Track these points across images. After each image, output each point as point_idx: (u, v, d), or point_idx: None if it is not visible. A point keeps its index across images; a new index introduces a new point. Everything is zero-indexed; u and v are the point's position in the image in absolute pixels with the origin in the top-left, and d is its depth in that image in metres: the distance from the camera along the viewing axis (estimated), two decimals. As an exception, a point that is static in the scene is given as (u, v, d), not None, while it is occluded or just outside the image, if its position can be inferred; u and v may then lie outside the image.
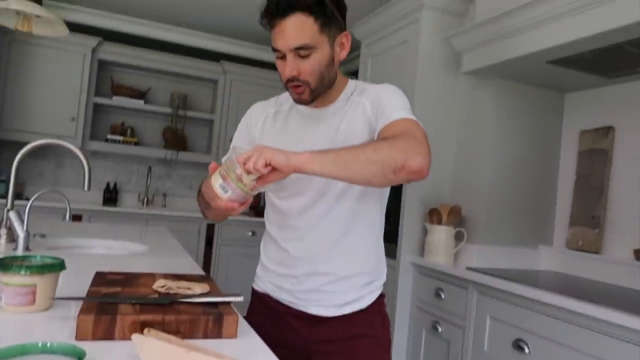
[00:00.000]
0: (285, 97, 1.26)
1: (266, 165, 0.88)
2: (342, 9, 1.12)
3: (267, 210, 1.30)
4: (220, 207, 0.93)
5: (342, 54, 1.14)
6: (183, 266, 1.51)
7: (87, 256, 1.63)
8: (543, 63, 2.00)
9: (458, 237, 2.35)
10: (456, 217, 2.36)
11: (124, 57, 4.13)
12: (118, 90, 4.16)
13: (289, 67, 1.07)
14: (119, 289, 0.94)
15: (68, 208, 1.87)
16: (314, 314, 1.18)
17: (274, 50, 1.10)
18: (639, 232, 2.03)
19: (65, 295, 0.93)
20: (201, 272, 1.38)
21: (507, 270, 2.19)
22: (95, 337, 0.76)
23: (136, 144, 4.23)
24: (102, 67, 4.18)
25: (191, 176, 4.61)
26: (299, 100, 1.13)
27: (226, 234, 4.16)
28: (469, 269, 2.15)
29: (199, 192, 1.20)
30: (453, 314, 2.14)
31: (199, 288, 0.96)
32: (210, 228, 4.14)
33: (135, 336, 0.68)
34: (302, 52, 1.06)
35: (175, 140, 4.35)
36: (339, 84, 1.18)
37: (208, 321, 0.82)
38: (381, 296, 1.25)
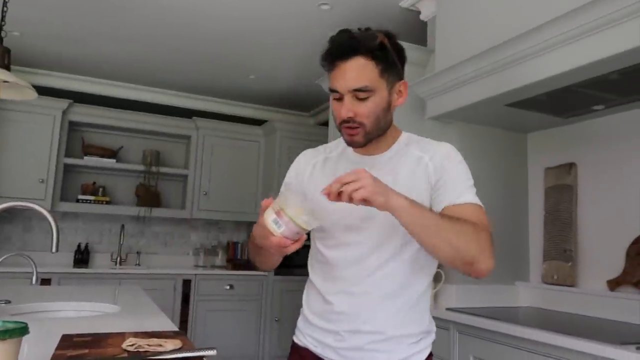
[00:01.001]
0: (334, 145, 1.26)
1: (363, 200, 0.90)
2: (402, 58, 1.13)
3: (312, 257, 1.25)
4: (273, 244, 0.92)
5: (399, 100, 1.14)
6: (157, 324, 1.47)
7: (55, 320, 1.57)
8: (502, 106, 2.09)
9: (436, 279, 2.35)
10: (432, 259, 2.37)
11: (94, 117, 4.14)
12: (89, 150, 4.14)
13: (346, 108, 1.07)
14: (86, 350, 0.91)
15: (35, 271, 1.81)
16: None
17: (332, 91, 1.10)
18: (610, 263, 2.07)
19: (29, 361, 0.89)
20: (175, 328, 1.34)
21: (487, 308, 2.19)
22: (60, 402, 0.73)
23: (108, 202, 4.17)
24: (73, 128, 4.17)
25: (165, 232, 4.54)
26: (351, 142, 1.12)
27: (203, 289, 4.06)
28: (448, 309, 2.14)
29: (250, 236, 1.18)
30: (436, 356, 2.08)
31: (170, 344, 0.94)
32: (187, 284, 4.04)
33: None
34: (361, 95, 1.06)
35: (149, 196, 4.31)
36: (392, 132, 1.18)
37: (179, 378, 0.79)
38: (430, 355, 1.19)
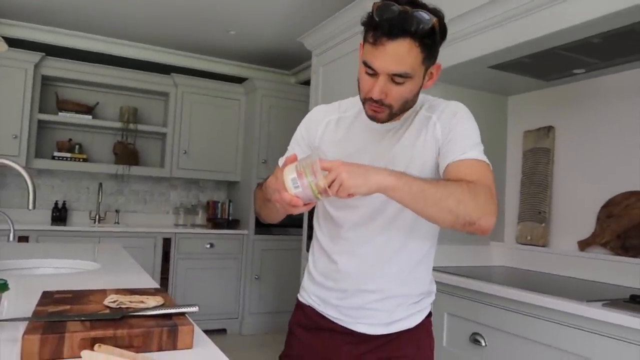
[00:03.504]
0: (350, 104, 1.22)
1: (348, 195, 0.89)
2: (444, 38, 1.07)
3: (319, 218, 1.24)
4: (284, 200, 0.90)
5: (428, 83, 1.10)
6: (137, 282, 1.47)
7: (34, 277, 1.56)
8: (485, 68, 2.08)
9: (414, 239, 2.40)
10: (411, 219, 2.42)
11: (69, 72, 4.00)
12: (63, 105, 4.02)
13: (378, 89, 1.02)
14: (67, 306, 0.91)
15: (12, 228, 1.79)
16: (359, 331, 1.15)
17: (366, 65, 1.02)
18: (581, 224, 2.14)
19: (10, 317, 0.89)
20: (156, 286, 1.35)
21: (462, 267, 2.25)
22: (43, 357, 0.73)
23: (85, 160, 4.09)
24: (46, 83, 4.03)
25: (144, 190, 4.50)
26: (373, 118, 1.09)
27: (183, 247, 4.08)
28: (425, 269, 2.20)
29: (259, 185, 1.16)
30: (412, 314, 2.18)
31: (152, 301, 0.94)
32: (167, 243, 4.05)
33: (85, 353, 0.66)
34: (398, 79, 1.01)
35: (127, 154, 4.24)
36: None
37: (162, 333, 0.81)
38: (429, 315, 1.22)
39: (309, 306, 1.23)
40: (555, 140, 2.30)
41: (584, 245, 2.10)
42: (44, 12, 3.76)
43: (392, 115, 1.09)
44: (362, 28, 1.05)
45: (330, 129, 1.20)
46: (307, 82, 4.36)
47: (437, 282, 2.03)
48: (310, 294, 1.24)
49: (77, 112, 4.05)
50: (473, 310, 1.86)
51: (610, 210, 2.02)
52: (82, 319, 0.83)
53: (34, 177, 1.33)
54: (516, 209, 2.45)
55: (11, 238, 1.78)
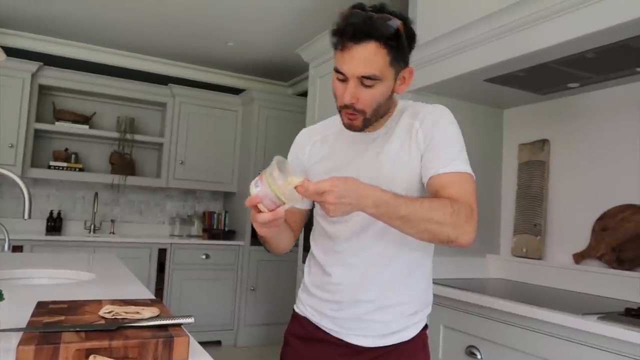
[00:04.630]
0: (332, 122, 1.25)
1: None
2: (413, 44, 1.09)
3: (314, 232, 1.27)
4: (249, 203, 0.93)
5: (401, 87, 1.12)
6: (133, 292, 1.47)
7: (29, 287, 1.55)
8: (480, 81, 2.10)
9: (410, 251, 2.40)
10: (407, 231, 2.42)
11: (66, 81, 4.01)
12: (60, 115, 4.02)
13: (349, 94, 1.05)
14: (62, 317, 0.91)
15: (7, 238, 1.78)
16: (354, 343, 1.14)
17: (337, 71, 1.07)
18: (577, 237, 2.15)
19: (5, 328, 0.89)
20: (151, 297, 1.35)
21: (458, 279, 2.25)
22: (37, 368, 0.73)
23: (81, 170, 4.09)
24: (43, 92, 4.04)
25: (140, 201, 4.49)
26: (349, 126, 1.11)
27: (179, 258, 4.07)
28: (421, 281, 2.20)
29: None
30: (408, 327, 2.17)
31: (148, 312, 0.94)
32: (162, 253, 4.03)
33: (80, 363, 0.66)
34: (367, 82, 1.04)
35: (123, 164, 4.24)
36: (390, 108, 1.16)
37: (157, 344, 0.80)
38: (425, 328, 1.21)
39: (305, 317, 1.24)
40: (551, 153, 2.32)
41: (579, 258, 2.10)
42: (42, 21, 3.78)
43: (367, 122, 1.10)
44: None
45: (316, 148, 1.23)
46: (304, 94, 4.38)
47: (433, 295, 2.04)
48: (305, 305, 1.24)
49: (74, 121, 4.06)
50: (469, 323, 1.86)
51: (606, 223, 2.03)
52: (78, 329, 0.82)
53: (29, 186, 1.33)
54: (512, 221, 2.46)
55: (6, 248, 1.77)
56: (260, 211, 0.94)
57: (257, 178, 0.93)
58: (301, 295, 1.27)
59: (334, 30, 1.06)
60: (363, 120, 1.09)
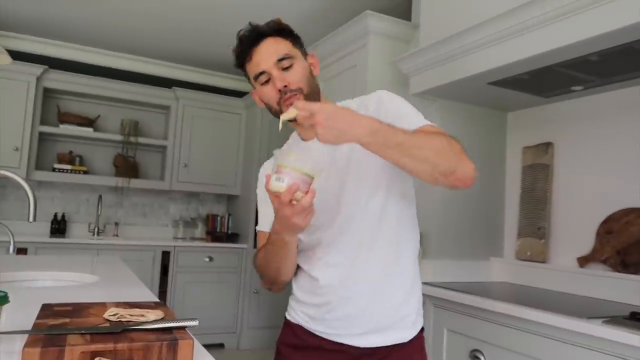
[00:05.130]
0: (288, 145, 1.28)
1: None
2: (301, 41, 1.19)
3: (298, 246, 1.26)
4: (284, 201, 0.90)
5: (316, 70, 1.18)
6: (137, 295, 1.47)
7: (33, 289, 1.56)
8: (484, 84, 2.10)
9: (413, 254, 2.39)
10: (411, 234, 2.41)
11: (71, 84, 4.03)
12: (65, 118, 4.04)
13: (278, 80, 1.10)
14: (67, 320, 0.91)
15: (12, 240, 1.79)
16: (347, 344, 1.14)
17: (257, 77, 1.13)
18: (581, 240, 2.14)
19: (10, 330, 0.89)
20: (155, 300, 1.35)
21: (462, 283, 2.25)
22: (43, 370, 0.73)
23: (85, 172, 4.10)
24: (48, 95, 4.06)
25: (144, 203, 4.50)
26: None
27: (182, 260, 4.07)
28: (425, 283, 2.19)
29: (255, 259, 1.20)
30: (411, 330, 2.17)
31: (152, 315, 0.94)
32: (166, 256, 4.04)
33: (85, 366, 0.66)
34: (285, 63, 1.11)
35: (127, 167, 4.25)
36: None
37: (162, 347, 0.80)
38: (422, 331, 1.21)
39: (297, 324, 1.23)
40: (554, 156, 2.31)
41: (583, 261, 2.10)
42: (47, 25, 3.80)
43: (309, 97, 1.13)
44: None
45: None
46: (307, 97, 4.38)
47: (436, 298, 2.04)
48: (297, 311, 1.23)
49: (78, 124, 4.07)
50: (473, 327, 1.86)
51: (610, 226, 2.02)
52: (82, 332, 0.83)
53: (34, 189, 1.34)
54: (516, 224, 2.45)
55: (11, 250, 1.78)
56: (291, 205, 0.93)
57: (274, 175, 0.90)
58: (292, 302, 1.27)
59: (237, 52, 1.16)
60: (305, 97, 1.12)
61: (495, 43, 1.89)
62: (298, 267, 1.24)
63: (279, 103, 1.12)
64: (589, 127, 2.17)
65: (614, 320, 1.45)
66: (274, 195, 0.93)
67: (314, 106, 0.90)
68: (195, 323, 0.90)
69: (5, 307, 0.89)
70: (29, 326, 0.88)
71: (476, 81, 2.07)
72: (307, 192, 0.91)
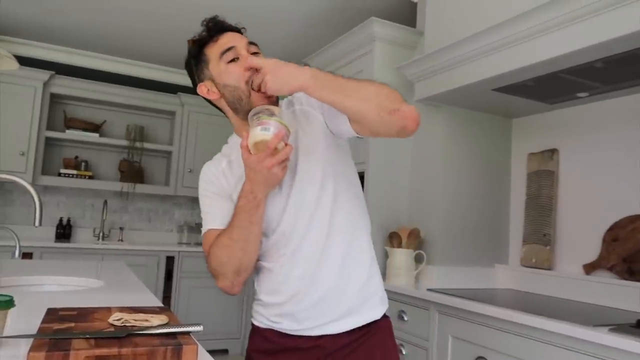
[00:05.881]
0: (228, 148, 1.29)
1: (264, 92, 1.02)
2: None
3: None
4: (270, 147, 0.94)
5: None
6: (141, 300, 1.47)
7: (38, 293, 1.56)
8: (489, 91, 2.10)
9: (418, 260, 2.39)
10: (415, 240, 2.41)
11: (77, 90, 4.06)
12: (71, 123, 4.07)
13: (246, 54, 1.11)
14: (72, 324, 0.91)
15: (17, 244, 1.79)
16: (317, 335, 1.14)
17: (222, 54, 1.12)
18: (586, 247, 2.13)
19: (15, 334, 0.90)
20: (160, 304, 1.35)
21: (466, 289, 2.24)
22: (47, 374, 0.73)
23: (90, 177, 4.12)
24: (55, 101, 4.09)
25: (149, 208, 4.52)
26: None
27: (187, 266, 4.07)
28: (429, 290, 2.18)
29: (212, 258, 1.18)
30: (416, 336, 2.16)
31: (157, 320, 0.94)
32: (170, 261, 4.04)
33: (90, 370, 0.66)
34: (253, 48, 1.14)
35: (132, 172, 4.27)
36: None
37: (166, 352, 0.81)
38: (387, 317, 1.24)
39: (268, 328, 1.21)
40: (560, 163, 2.31)
41: (589, 268, 2.08)
42: (54, 31, 3.84)
43: (272, 97, 1.14)
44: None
45: (229, 173, 1.23)
46: (312, 103, 4.39)
47: (441, 305, 2.03)
48: (265, 315, 1.22)
49: (84, 129, 4.10)
50: (478, 333, 1.85)
51: (616, 233, 2.01)
52: (87, 336, 0.83)
53: (40, 193, 1.34)
54: (521, 231, 2.44)
55: (17, 254, 1.79)
56: (272, 156, 0.97)
57: (257, 127, 0.95)
58: (257, 307, 1.25)
59: (207, 24, 1.19)
60: (270, 95, 1.13)
61: (500, 49, 1.89)
62: (261, 270, 1.23)
63: (247, 82, 1.09)
64: (594, 133, 2.17)
65: (620, 328, 1.44)
66: (250, 152, 0.98)
67: (261, 61, 1.01)
68: (199, 328, 0.90)
69: (10, 311, 0.89)
70: (34, 330, 0.89)
71: (481, 87, 2.07)
72: (286, 145, 0.98)
